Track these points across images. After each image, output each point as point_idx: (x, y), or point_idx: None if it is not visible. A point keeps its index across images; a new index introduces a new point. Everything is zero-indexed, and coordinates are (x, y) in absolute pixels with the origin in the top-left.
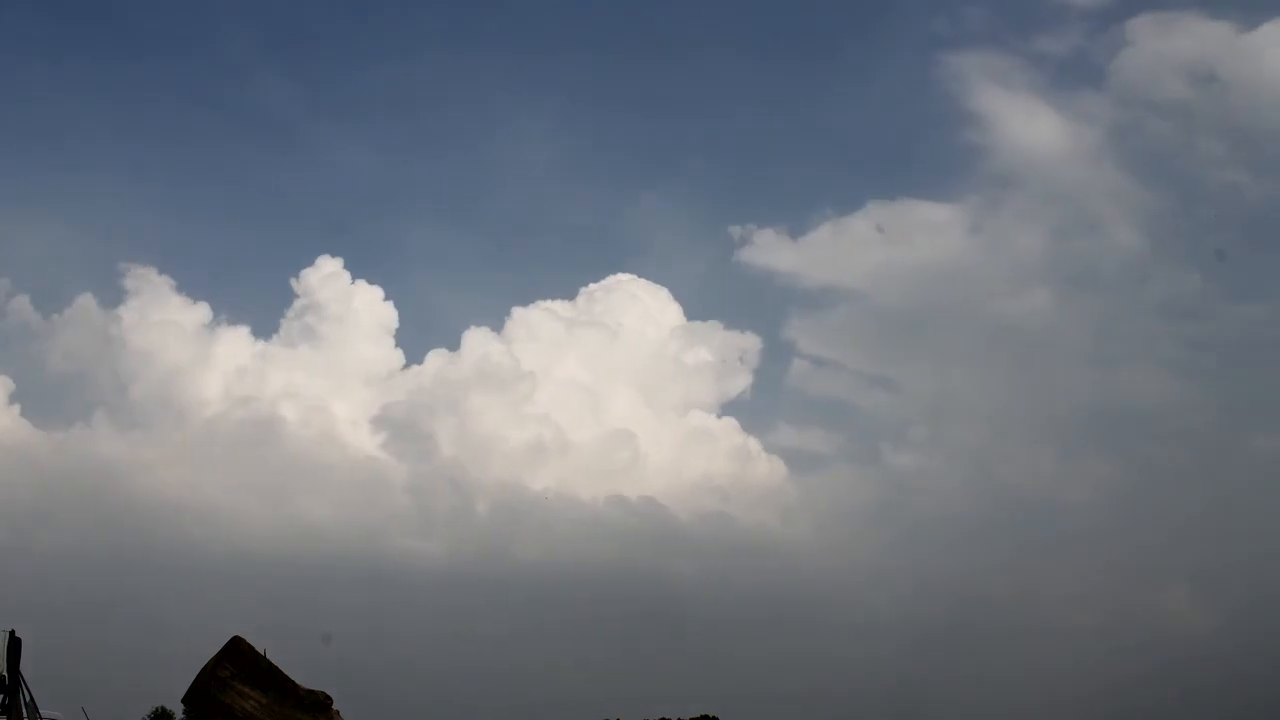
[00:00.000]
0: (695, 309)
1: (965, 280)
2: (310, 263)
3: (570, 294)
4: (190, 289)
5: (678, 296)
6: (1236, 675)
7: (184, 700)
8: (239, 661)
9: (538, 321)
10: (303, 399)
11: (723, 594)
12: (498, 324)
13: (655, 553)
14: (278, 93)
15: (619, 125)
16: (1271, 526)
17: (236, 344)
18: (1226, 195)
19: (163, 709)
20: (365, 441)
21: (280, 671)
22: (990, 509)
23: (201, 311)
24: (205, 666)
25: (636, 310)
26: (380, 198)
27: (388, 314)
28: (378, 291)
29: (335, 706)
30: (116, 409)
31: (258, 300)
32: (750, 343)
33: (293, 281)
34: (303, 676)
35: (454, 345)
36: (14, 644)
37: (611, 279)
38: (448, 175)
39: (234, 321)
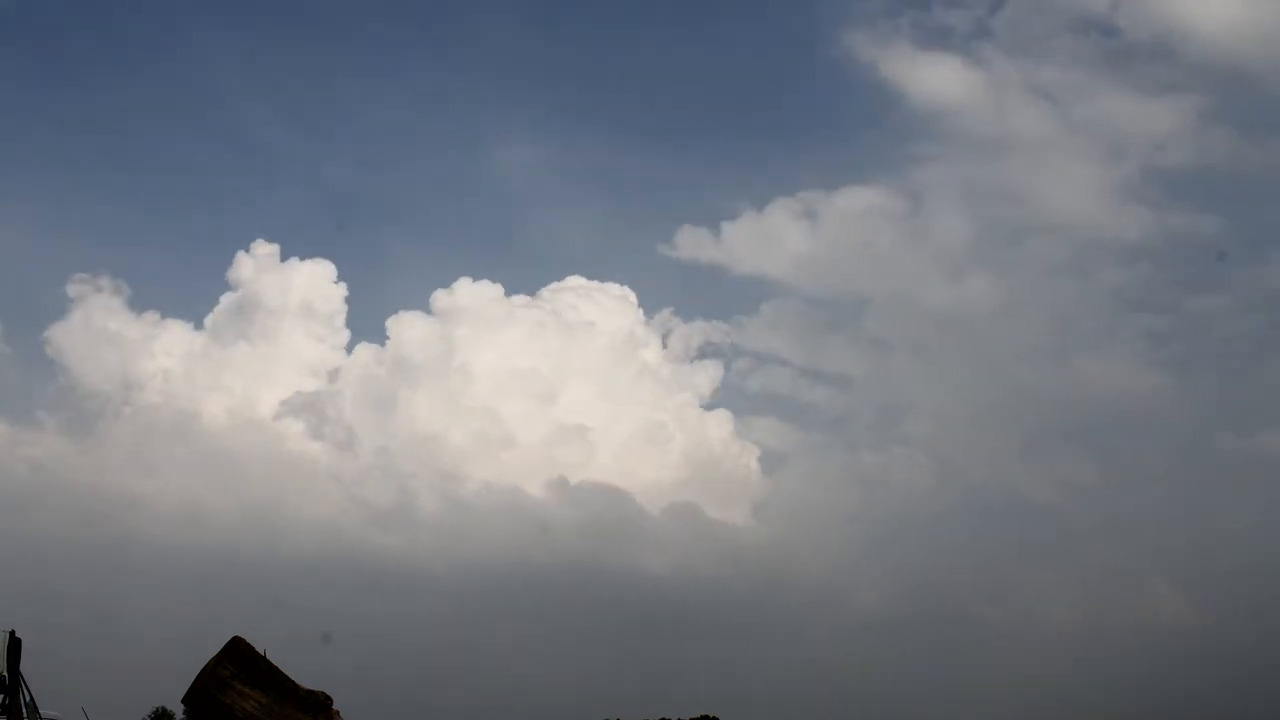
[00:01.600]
0: (649, 307)
1: (900, 267)
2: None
3: (530, 292)
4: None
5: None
6: (1220, 674)
7: (184, 700)
8: (239, 661)
9: (488, 312)
10: (249, 393)
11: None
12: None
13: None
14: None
15: (583, 144)
16: (1247, 522)
17: (176, 338)
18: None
19: (163, 709)
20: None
21: (280, 671)
22: (958, 507)
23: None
24: (205, 667)
25: (591, 307)
26: (343, 199)
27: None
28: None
29: (335, 707)
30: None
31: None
32: (704, 338)
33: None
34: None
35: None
36: (14, 644)
37: (568, 280)
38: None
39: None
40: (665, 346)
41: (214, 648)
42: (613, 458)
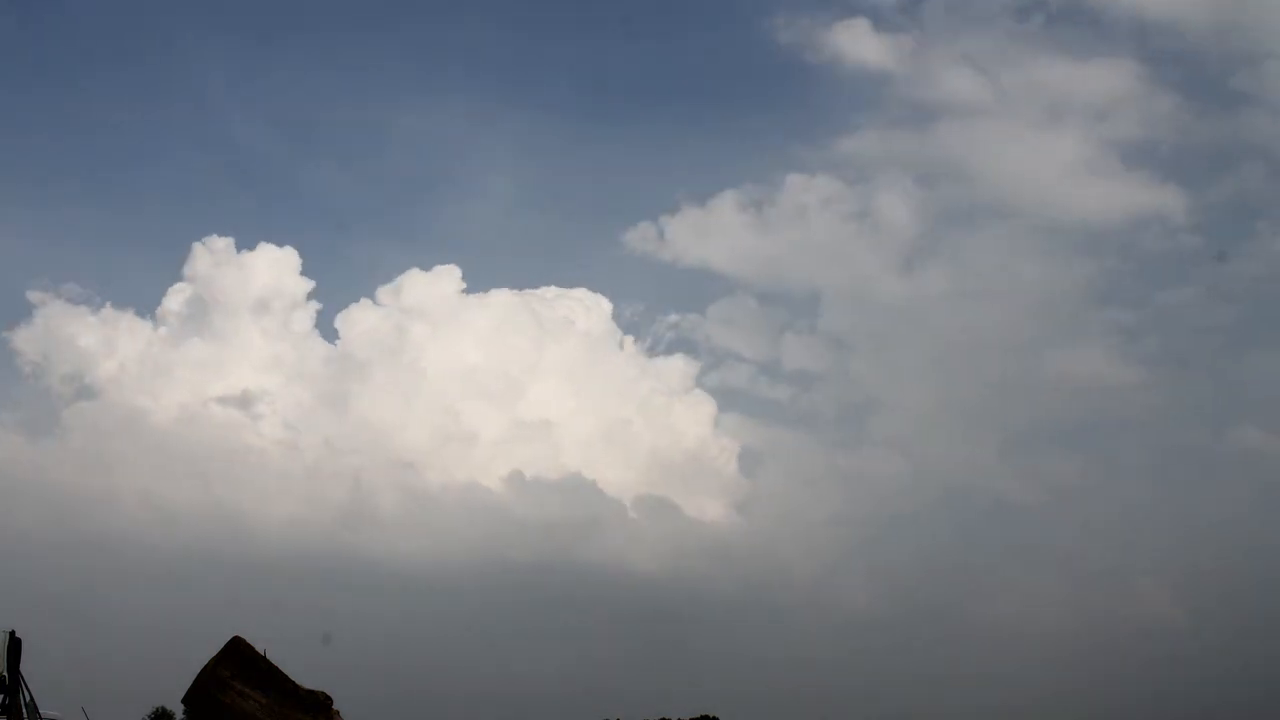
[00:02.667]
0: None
1: (852, 257)
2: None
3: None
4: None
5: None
6: (1205, 671)
7: (184, 700)
8: (239, 662)
9: (450, 307)
10: (210, 388)
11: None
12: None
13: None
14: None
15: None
16: (1233, 520)
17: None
18: None
19: (163, 709)
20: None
21: (280, 671)
22: (936, 506)
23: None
24: (205, 667)
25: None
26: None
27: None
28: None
29: (335, 707)
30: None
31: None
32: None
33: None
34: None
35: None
36: (14, 644)
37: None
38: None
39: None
40: (636, 341)
41: (213, 648)
42: (583, 452)
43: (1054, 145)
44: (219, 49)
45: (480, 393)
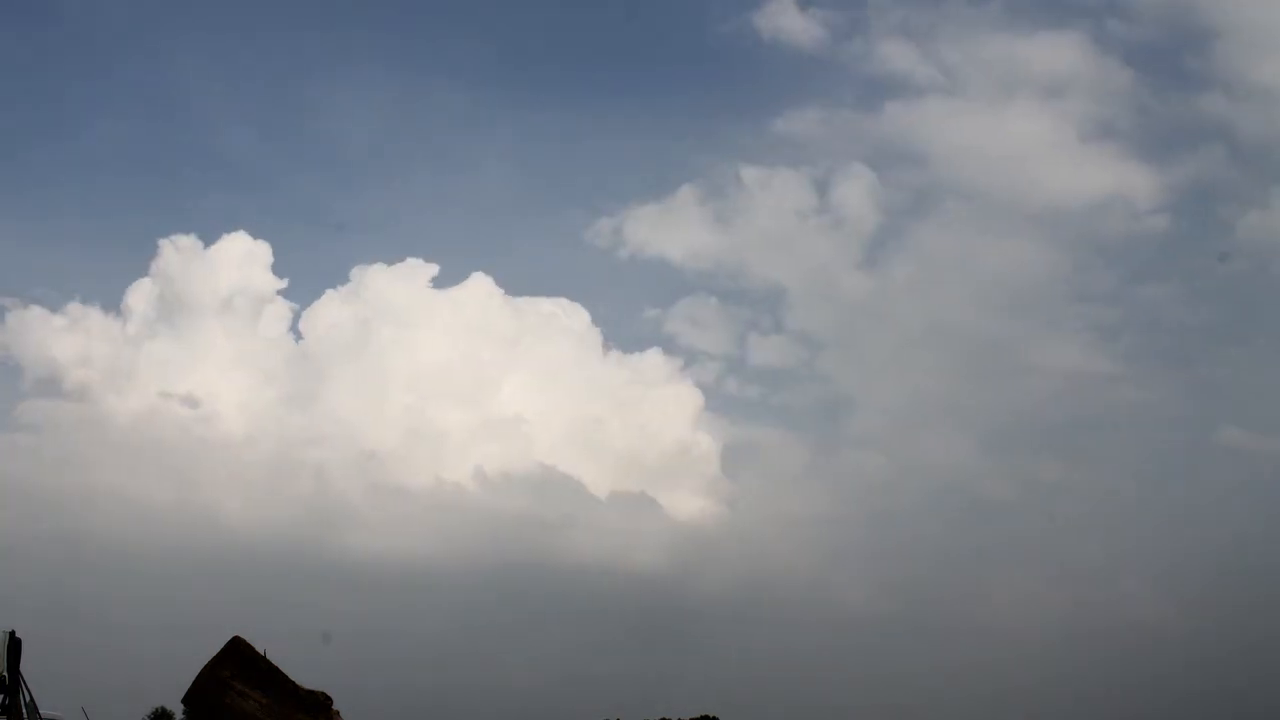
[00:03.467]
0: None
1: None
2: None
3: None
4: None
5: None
6: (1192, 666)
7: (184, 700)
8: (239, 662)
9: (422, 301)
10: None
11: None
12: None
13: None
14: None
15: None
16: (1220, 517)
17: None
18: None
19: (163, 709)
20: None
21: (280, 671)
22: (921, 504)
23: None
24: (205, 667)
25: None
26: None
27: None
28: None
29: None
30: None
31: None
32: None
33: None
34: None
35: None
36: (14, 644)
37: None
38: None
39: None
40: (606, 337)
41: (213, 648)
42: (559, 448)
43: (1009, 123)
44: (188, 46)
45: (450, 389)
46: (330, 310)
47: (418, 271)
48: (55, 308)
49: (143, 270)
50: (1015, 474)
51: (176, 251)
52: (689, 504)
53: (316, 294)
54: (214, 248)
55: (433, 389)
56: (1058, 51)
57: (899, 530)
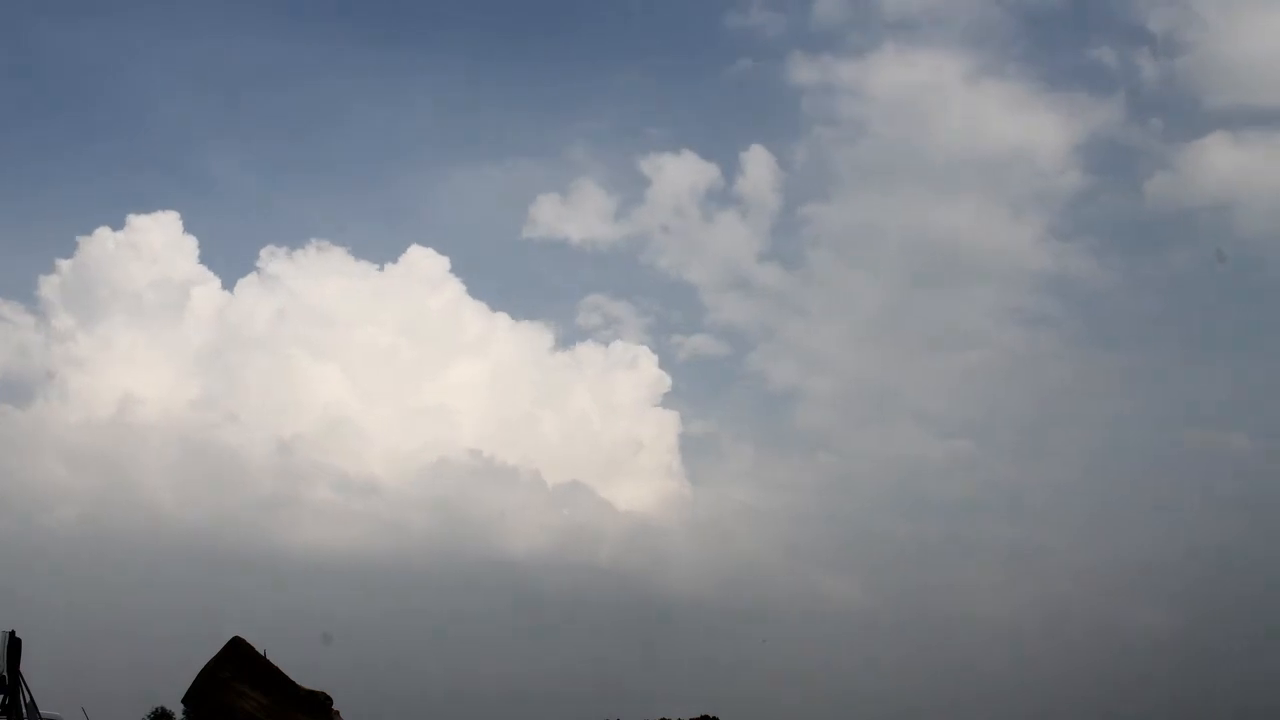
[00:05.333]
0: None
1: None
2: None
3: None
4: None
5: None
6: (1183, 668)
7: (184, 700)
8: (239, 662)
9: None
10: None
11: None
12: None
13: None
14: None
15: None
16: (1202, 515)
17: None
18: None
19: (163, 709)
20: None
21: (280, 672)
22: (884, 497)
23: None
24: (205, 667)
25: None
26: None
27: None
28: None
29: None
30: None
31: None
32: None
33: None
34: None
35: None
36: (14, 644)
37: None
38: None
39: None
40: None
41: (212, 648)
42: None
43: (903, 69)
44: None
45: (387, 376)
46: (250, 296)
47: (338, 256)
48: None
49: (58, 260)
50: (967, 465)
51: (92, 240)
52: (634, 495)
53: (235, 280)
54: (131, 234)
55: (360, 376)
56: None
57: (859, 524)
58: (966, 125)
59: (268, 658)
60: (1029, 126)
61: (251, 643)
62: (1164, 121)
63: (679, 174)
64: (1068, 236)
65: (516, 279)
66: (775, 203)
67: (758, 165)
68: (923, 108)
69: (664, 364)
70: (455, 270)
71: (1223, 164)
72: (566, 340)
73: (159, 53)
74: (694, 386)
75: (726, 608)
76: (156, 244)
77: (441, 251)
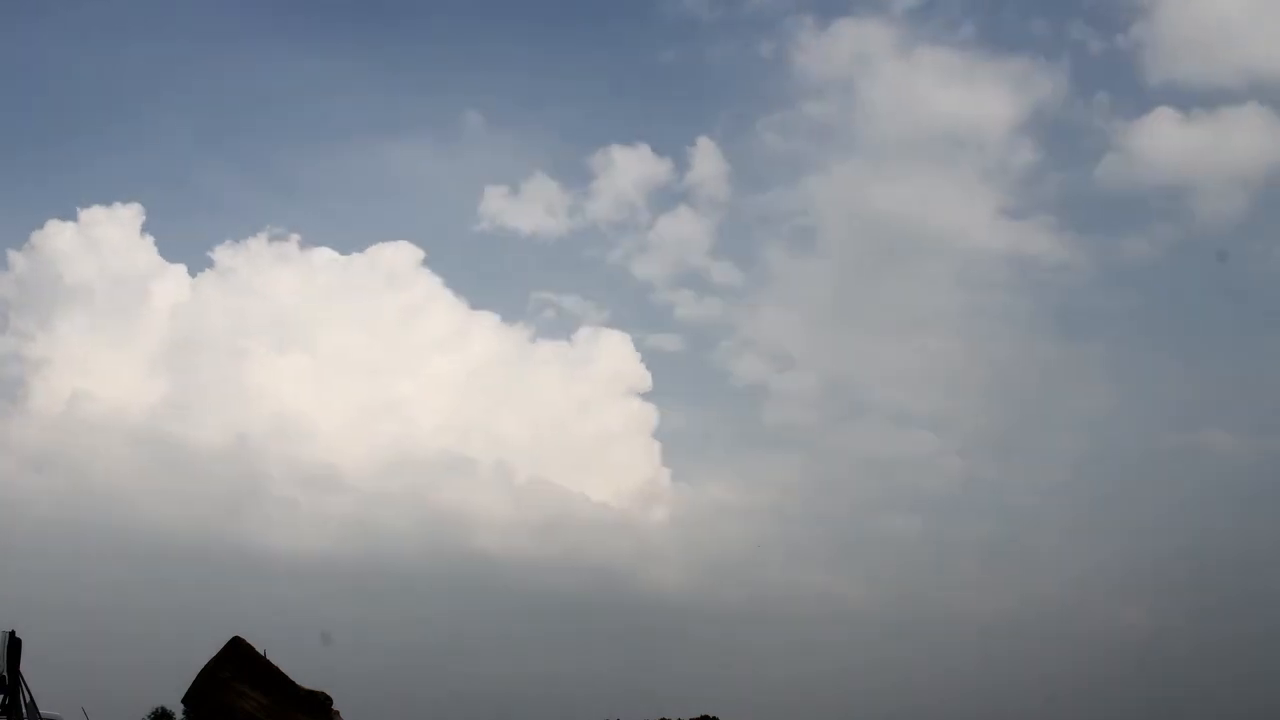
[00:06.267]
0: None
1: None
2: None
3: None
4: None
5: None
6: (1167, 665)
7: (184, 700)
8: (239, 662)
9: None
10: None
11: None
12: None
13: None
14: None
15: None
16: (1182, 515)
17: None
18: None
19: (163, 709)
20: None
21: (280, 672)
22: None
23: None
24: (205, 667)
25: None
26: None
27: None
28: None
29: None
30: None
31: None
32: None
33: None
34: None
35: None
36: (14, 644)
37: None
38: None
39: None
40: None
41: (213, 648)
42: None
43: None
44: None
45: (350, 370)
46: (207, 289)
47: (294, 246)
48: None
49: (17, 244)
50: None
51: (44, 232)
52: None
53: (190, 271)
54: (84, 228)
55: (323, 371)
56: None
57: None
58: (903, 99)
59: (268, 658)
60: (969, 100)
61: (237, 643)
62: (1111, 96)
63: (631, 168)
64: (1022, 215)
65: (480, 271)
66: (723, 194)
67: (705, 157)
68: (855, 82)
69: (633, 358)
70: (419, 261)
71: (1173, 143)
72: (531, 333)
73: (107, 45)
74: (661, 382)
75: (707, 606)
76: (111, 238)
77: (403, 241)
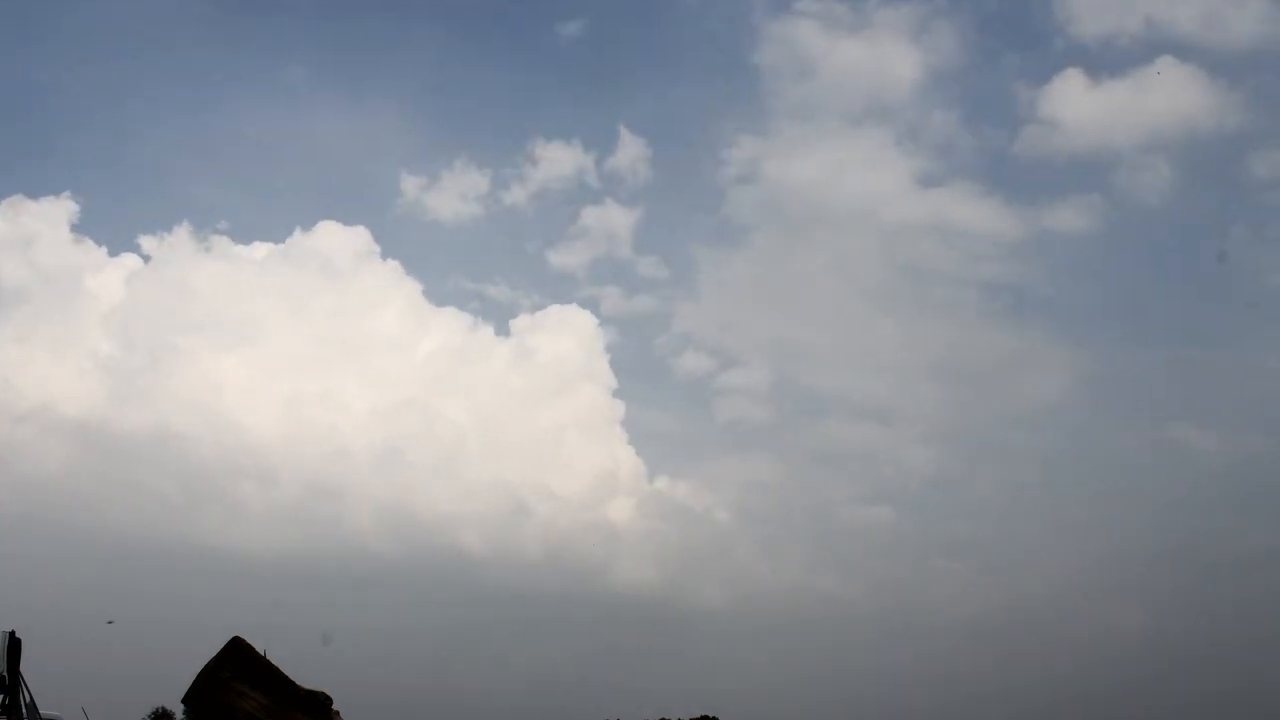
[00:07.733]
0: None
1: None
2: None
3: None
4: None
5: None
6: (1154, 671)
7: (184, 700)
8: (239, 662)
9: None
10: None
11: None
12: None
13: None
14: None
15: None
16: (1168, 516)
17: None
18: None
19: (163, 709)
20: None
21: (280, 672)
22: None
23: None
24: (205, 667)
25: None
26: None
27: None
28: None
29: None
30: None
31: None
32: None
33: None
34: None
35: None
36: (14, 644)
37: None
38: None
39: None
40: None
41: (213, 648)
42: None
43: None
44: None
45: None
46: (138, 282)
47: (226, 236)
48: None
49: None
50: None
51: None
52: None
53: (133, 263)
54: (24, 215)
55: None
56: None
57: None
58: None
59: (268, 657)
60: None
61: (237, 643)
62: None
63: (558, 159)
64: (940, 181)
65: (422, 259)
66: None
67: (625, 145)
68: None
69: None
70: (355, 247)
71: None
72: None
73: (37, 31)
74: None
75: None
76: (35, 229)
77: (338, 226)
